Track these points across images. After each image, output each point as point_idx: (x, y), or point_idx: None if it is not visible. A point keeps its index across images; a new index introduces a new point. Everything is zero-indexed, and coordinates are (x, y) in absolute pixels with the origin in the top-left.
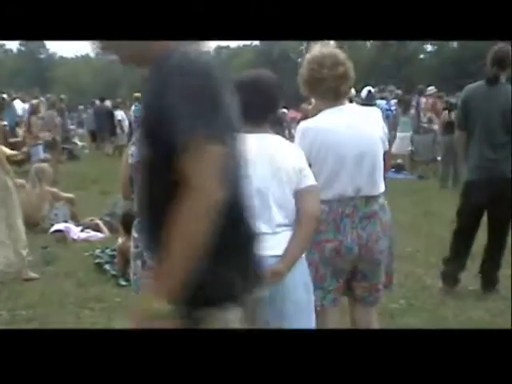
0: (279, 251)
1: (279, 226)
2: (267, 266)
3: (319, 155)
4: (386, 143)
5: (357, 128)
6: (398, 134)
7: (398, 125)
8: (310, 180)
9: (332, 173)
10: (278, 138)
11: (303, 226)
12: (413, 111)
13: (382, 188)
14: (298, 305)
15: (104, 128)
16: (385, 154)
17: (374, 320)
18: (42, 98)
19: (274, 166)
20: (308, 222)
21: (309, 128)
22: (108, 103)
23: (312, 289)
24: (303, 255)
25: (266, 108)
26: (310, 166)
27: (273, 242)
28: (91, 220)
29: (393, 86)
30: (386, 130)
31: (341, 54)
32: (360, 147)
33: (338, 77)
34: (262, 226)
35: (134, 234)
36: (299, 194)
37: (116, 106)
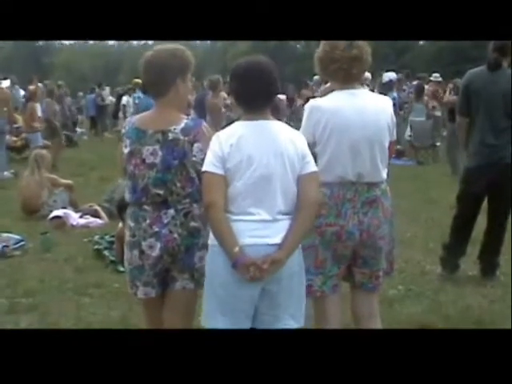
0: (278, 239)
1: (280, 213)
2: (266, 254)
3: (323, 135)
4: (394, 132)
5: (364, 113)
6: (412, 120)
7: (411, 111)
8: (311, 166)
9: (334, 154)
10: (280, 123)
11: (303, 212)
12: (426, 98)
13: (384, 175)
14: (291, 294)
15: (104, 114)
16: (390, 143)
17: (375, 307)
18: (40, 84)
19: (277, 152)
20: (308, 209)
21: (316, 107)
22: (107, 90)
23: (304, 276)
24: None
25: (267, 94)
26: (314, 144)
27: (272, 230)
28: (90, 206)
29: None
30: (395, 120)
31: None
32: (365, 132)
33: (351, 59)
34: (262, 213)
35: (130, 222)
36: (301, 180)
37: (125, 92)
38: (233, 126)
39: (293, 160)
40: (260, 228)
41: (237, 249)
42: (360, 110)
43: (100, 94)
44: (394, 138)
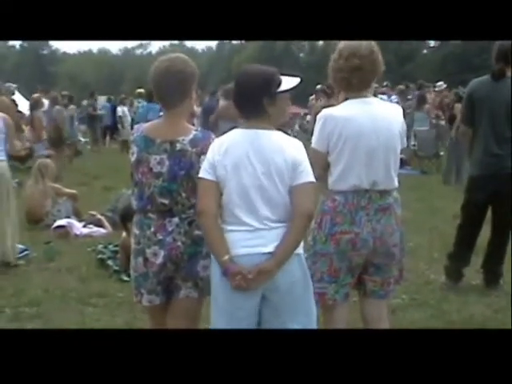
0: (271, 248)
1: (272, 222)
2: (257, 263)
3: (338, 144)
4: (404, 140)
5: (377, 121)
6: (416, 129)
7: (413, 120)
8: (305, 177)
9: (349, 163)
10: (274, 132)
11: (295, 223)
12: (428, 106)
13: (396, 183)
14: (295, 302)
15: (95, 124)
16: (401, 150)
17: (384, 314)
18: (56, 93)
19: (263, 162)
20: (300, 220)
21: (330, 116)
22: (102, 99)
23: (311, 285)
24: (300, 251)
25: (254, 101)
26: (328, 153)
27: (265, 239)
28: (92, 215)
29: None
30: (405, 127)
31: (364, 47)
32: (379, 140)
33: (352, 68)
34: (254, 222)
35: (135, 230)
36: (293, 191)
37: (121, 102)
38: (228, 133)
39: (281, 170)
40: (253, 237)
41: (226, 257)
42: (373, 118)
43: (92, 103)
44: (405, 145)
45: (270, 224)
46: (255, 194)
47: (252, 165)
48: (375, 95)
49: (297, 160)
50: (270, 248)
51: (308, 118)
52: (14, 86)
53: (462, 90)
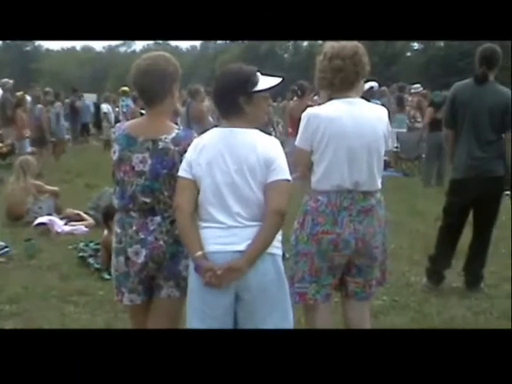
0: (243, 247)
1: (245, 219)
2: (229, 260)
3: (321, 143)
4: (389, 142)
5: (361, 122)
6: (393, 131)
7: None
8: (278, 174)
9: (332, 162)
10: (250, 131)
11: (266, 221)
12: (408, 108)
13: (379, 184)
14: (269, 302)
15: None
16: (385, 152)
17: (366, 316)
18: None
19: (236, 160)
20: (270, 218)
21: (314, 115)
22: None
23: (287, 287)
24: (275, 251)
25: (227, 101)
26: (312, 152)
27: (238, 237)
28: (69, 216)
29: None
30: (390, 129)
31: (348, 49)
32: (362, 141)
33: (334, 70)
34: (227, 220)
35: (117, 229)
36: (266, 189)
37: (105, 100)
38: (207, 132)
39: (253, 167)
40: (225, 235)
41: (199, 253)
42: (357, 119)
43: (75, 100)
44: (390, 147)
45: (244, 222)
46: (227, 191)
47: (225, 163)
48: None
49: (270, 158)
50: (243, 246)
51: None
52: (11, 82)
53: (432, 93)
